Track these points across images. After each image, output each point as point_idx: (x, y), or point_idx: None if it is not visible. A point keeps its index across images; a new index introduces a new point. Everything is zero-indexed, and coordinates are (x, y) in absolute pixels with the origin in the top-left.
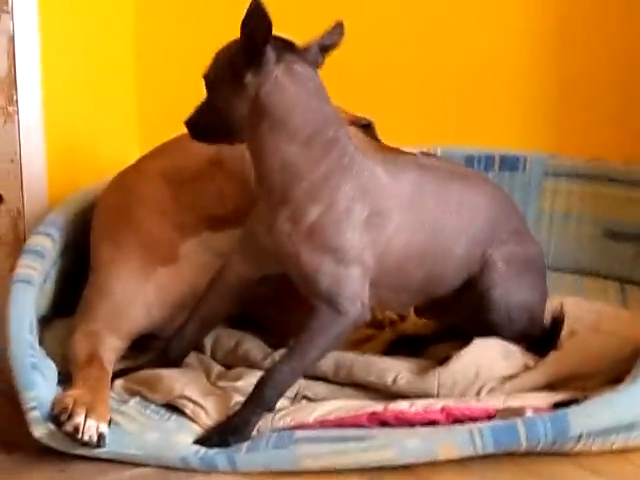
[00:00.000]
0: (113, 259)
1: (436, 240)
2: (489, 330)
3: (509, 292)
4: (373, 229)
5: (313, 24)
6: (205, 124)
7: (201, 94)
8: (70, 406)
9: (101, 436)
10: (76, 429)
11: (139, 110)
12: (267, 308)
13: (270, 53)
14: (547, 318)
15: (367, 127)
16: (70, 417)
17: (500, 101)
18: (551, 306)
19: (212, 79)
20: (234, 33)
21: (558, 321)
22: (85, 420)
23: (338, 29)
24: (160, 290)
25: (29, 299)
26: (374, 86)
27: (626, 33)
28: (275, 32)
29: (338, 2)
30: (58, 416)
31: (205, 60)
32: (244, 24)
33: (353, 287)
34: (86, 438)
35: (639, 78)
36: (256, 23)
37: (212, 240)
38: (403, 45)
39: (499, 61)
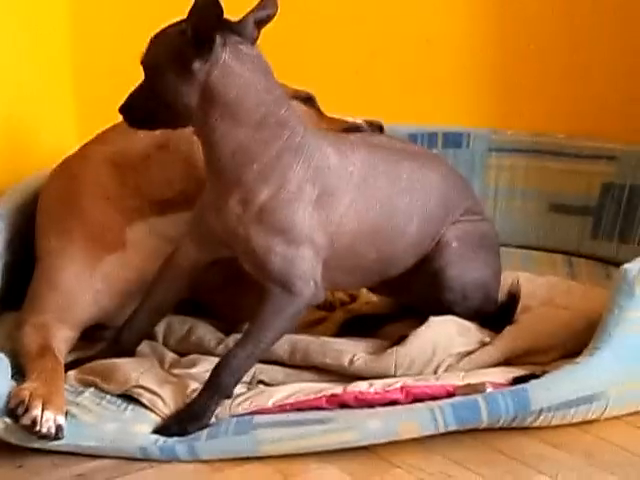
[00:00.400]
0: (59, 248)
1: (388, 220)
2: (444, 308)
3: (463, 270)
4: (324, 209)
5: None
6: (144, 110)
7: (137, 81)
8: (26, 399)
9: (59, 428)
10: (34, 422)
11: (76, 99)
12: (216, 293)
13: (218, 39)
14: (502, 294)
15: (308, 100)
16: (27, 410)
17: (442, 77)
18: (505, 282)
19: (153, 65)
20: (172, 18)
21: (514, 297)
22: (42, 412)
23: (271, 1)
24: (108, 278)
25: None
26: (315, 62)
27: (570, 8)
28: None
29: None
30: (15, 409)
31: (141, 46)
32: (193, 12)
33: (305, 267)
34: (44, 430)
35: (582, 49)
36: (207, 12)
37: (159, 224)
38: (344, 20)
39: (440, 36)
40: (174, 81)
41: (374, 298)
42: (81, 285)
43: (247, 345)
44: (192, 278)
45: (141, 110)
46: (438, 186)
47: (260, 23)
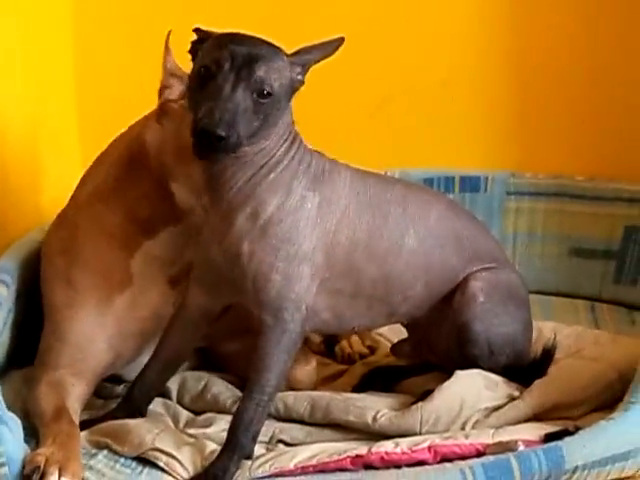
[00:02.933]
0: (67, 300)
1: (380, 229)
2: (470, 364)
3: (490, 325)
4: (322, 217)
5: None
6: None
7: (141, 96)
8: (42, 465)
9: None
10: None
11: (79, 115)
12: (229, 344)
13: None
14: (536, 348)
15: None
16: (43, 476)
17: (459, 120)
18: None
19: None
20: (175, 23)
21: (548, 353)
22: (59, 479)
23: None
24: (120, 321)
25: None
26: (328, 105)
27: (588, 49)
28: None
29: (295, 24)
30: (30, 476)
31: (144, 57)
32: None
33: (300, 288)
34: None
35: (599, 94)
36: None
37: (153, 248)
38: (361, 65)
39: (456, 78)
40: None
41: None
42: (94, 333)
43: (253, 395)
44: (203, 328)
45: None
46: (439, 207)
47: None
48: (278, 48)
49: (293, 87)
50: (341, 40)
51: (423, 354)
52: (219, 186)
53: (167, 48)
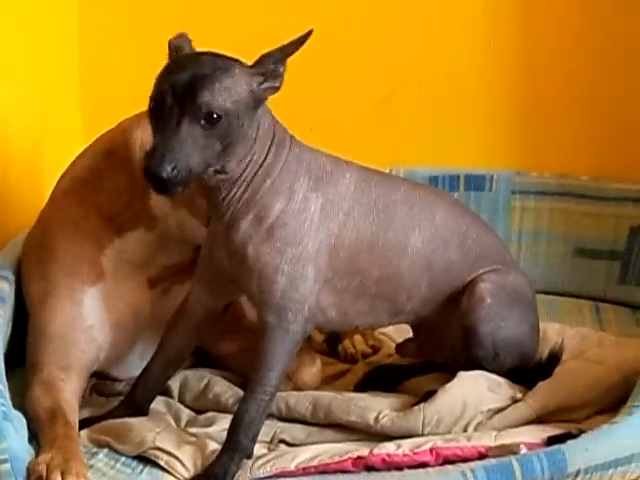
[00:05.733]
0: (42, 295)
1: (385, 229)
2: (474, 365)
3: (496, 327)
4: (326, 219)
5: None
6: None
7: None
8: (44, 473)
9: None
10: None
11: (83, 112)
12: (218, 345)
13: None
14: (541, 350)
15: None
16: None
17: (465, 119)
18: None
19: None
20: (177, 25)
21: (555, 357)
22: None
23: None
24: (97, 311)
25: None
26: (333, 102)
27: (593, 48)
28: None
29: (299, 19)
30: None
31: (148, 53)
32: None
33: (304, 289)
34: None
35: (607, 93)
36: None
37: (123, 248)
38: (365, 62)
39: (462, 77)
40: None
41: None
42: (73, 326)
43: (254, 394)
44: (206, 326)
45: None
46: (444, 207)
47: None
48: (230, 63)
49: (255, 98)
50: (309, 33)
51: (428, 354)
52: (218, 200)
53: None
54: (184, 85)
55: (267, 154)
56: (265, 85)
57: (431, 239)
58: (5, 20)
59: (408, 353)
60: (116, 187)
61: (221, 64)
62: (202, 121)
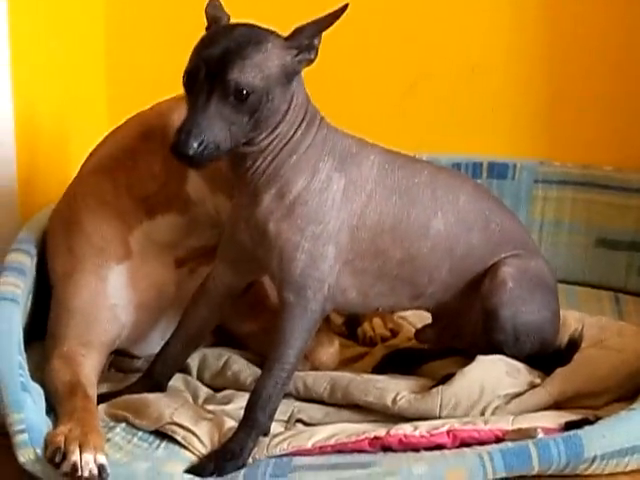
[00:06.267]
0: (68, 270)
1: (407, 211)
2: (494, 350)
3: (517, 312)
4: (349, 199)
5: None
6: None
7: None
8: (62, 445)
9: (101, 468)
10: (74, 467)
11: (109, 102)
12: (240, 324)
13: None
14: (560, 337)
15: None
16: (65, 456)
17: (487, 107)
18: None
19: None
20: (200, 17)
21: (575, 343)
22: (81, 455)
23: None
24: (122, 290)
25: (16, 318)
26: (359, 91)
27: (616, 40)
28: None
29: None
30: (53, 458)
31: (173, 45)
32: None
33: (325, 267)
34: (86, 474)
35: (629, 84)
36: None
37: (152, 230)
38: (389, 50)
39: (486, 65)
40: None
41: None
42: (97, 302)
43: (272, 371)
44: (227, 304)
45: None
46: (468, 191)
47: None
48: (263, 36)
49: (288, 72)
50: (344, 7)
51: (447, 341)
52: (242, 171)
53: None
54: (215, 60)
55: (297, 130)
56: (299, 57)
57: (453, 223)
58: (31, 3)
59: (427, 340)
60: (150, 169)
61: (254, 38)
62: (231, 97)
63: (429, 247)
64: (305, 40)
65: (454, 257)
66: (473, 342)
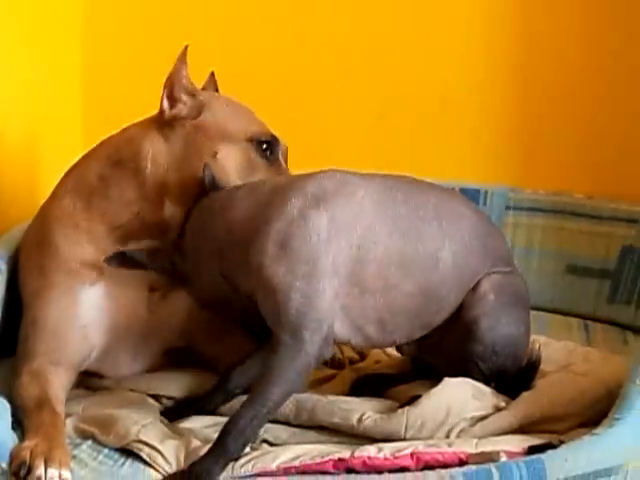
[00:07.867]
0: (39, 289)
1: (415, 245)
2: (469, 364)
3: (497, 324)
4: (338, 232)
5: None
6: None
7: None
8: (27, 459)
9: None
10: None
11: (84, 121)
12: (206, 346)
13: None
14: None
15: (269, 145)
16: (30, 471)
17: (460, 135)
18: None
19: None
20: (180, 26)
21: (534, 363)
22: (46, 471)
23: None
24: (92, 311)
25: None
26: (329, 116)
27: (589, 67)
28: None
29: (297, 36)
30: (18, 472)
31: (150, 65)
32: None
33: (323, 305)
34: None
35: (601, 112)
36: None
37: None
38: (359, 77)
39: (457, 93)
40: None
41: (384, 356)
42: (67, 322)
43: (254, 404)
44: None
45: None
46: (470, 219)
47: None
48: None
49: None
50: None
51: (427, 353)
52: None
53: (184, 61)
54: None
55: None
56: None
57: (459, 251)
58: (7, 17)
59: (408, 352)
60: (122, 197)
61: None
62: None
63: (439, 278)
64: None
65: (460, 284)
66: (450, 356)
